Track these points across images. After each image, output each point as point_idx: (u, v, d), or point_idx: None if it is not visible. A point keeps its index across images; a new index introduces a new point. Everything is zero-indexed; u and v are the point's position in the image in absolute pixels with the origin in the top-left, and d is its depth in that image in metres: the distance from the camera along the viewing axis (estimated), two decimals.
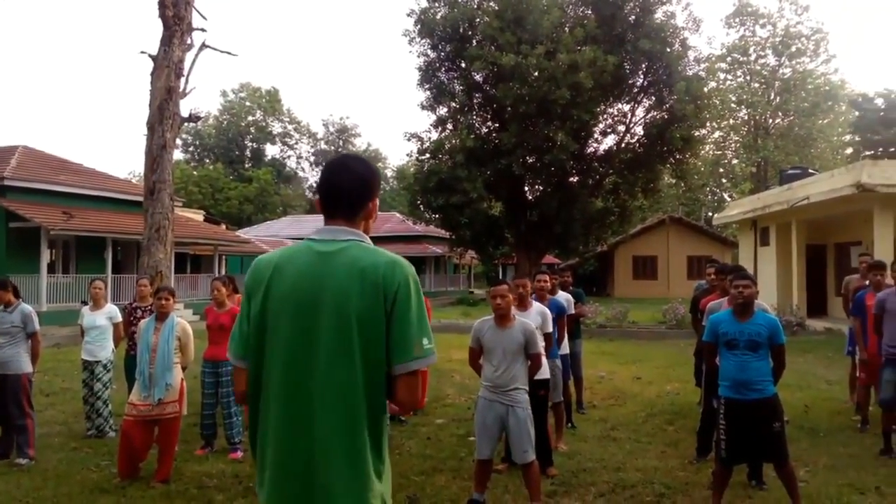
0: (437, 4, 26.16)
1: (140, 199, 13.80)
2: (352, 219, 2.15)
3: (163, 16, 10.85)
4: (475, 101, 26.35)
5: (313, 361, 1.96)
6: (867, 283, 7.54)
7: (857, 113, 42.18)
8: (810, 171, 23.93)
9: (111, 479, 5.73)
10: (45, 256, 19.97)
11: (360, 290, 1.97)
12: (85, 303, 7.64)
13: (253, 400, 2.07)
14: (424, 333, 2.02)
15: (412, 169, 28.90)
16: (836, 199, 16.15)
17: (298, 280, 2.04)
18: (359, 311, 1.96)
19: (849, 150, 45.68)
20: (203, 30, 13.52)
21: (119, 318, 7.46)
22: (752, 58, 46.93)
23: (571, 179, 26.56)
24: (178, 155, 59.48)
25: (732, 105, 46.99)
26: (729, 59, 46.86)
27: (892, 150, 38.37)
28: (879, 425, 6.65)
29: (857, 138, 43.43)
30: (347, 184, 2.16)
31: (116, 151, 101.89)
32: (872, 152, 39.07)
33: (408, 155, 44.58)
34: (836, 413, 8.22)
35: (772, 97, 46.54)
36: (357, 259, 2.03)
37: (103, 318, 7.32)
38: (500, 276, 33.87)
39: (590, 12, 24.83)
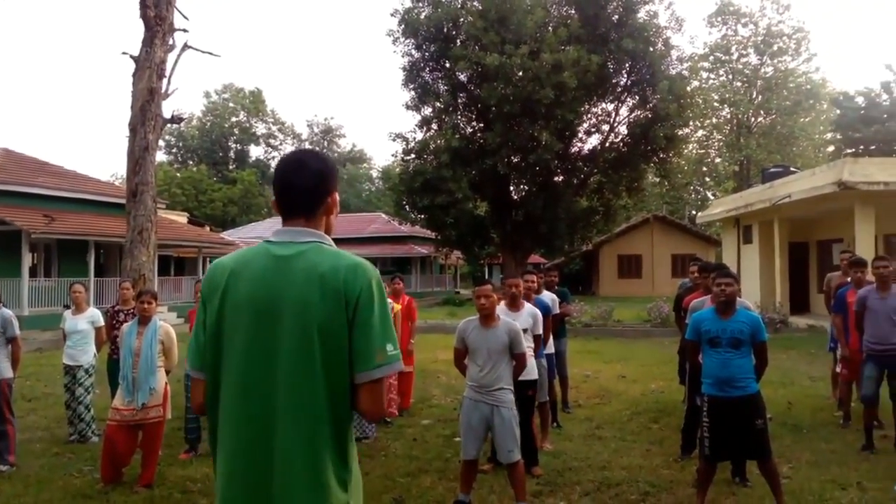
0: (420, 4, 26.14)
1: (122, 201, 13.69)
2: (311, 217, 2.06)
3: (144, 16, 10.76)
4: (460, 100, 26.36)
5: (272, 372, 1.89)
6: (848, 280, 7.61)
7: (838, 111, 42.63)
8: (792, 169, 24.13)
9: (94, 485, 5.68)
10: (27, 260, 19.77)
11: (321, 298, 1.90)
12: (67, 307, 7.57)
13: (212, 412, 1.99)
14: (388, 339, 1.95)
15: (397, 169, 28.87)
16: (817, 196, 16.30)
17: (255, 286, 1.96)
18: (320, 320, 1.88)
19: (830, 149, 46.12)
20: (185, 30, 13.44)
21: (101, 322, 7.40)
22: (735, 57, 47.25)
23: (556, 179, 26.63)
24: (160, 157, 59.08)
25: (715, 104, 47.29)
26: (711, 58, 47.16)
27: (873, 147, 38.82)
28: (861, 421, 6.72)
29: (838, 136, 43.90)
30: (304, 181, 2.06)
31: (98, 153, 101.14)
32: (853, 150, 39.47)
33: (393, 155, 44.52)
34: (818, 409, 8.29)
35: (754, 96, 46.89)
36: (316, 264, 1.94)
37: (85, 322, 7.26)
38: (487, 276, 33.90)
39: (573, 12, 24.91)
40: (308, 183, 2.06)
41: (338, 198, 2.15)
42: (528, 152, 24.02)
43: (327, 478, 1.87)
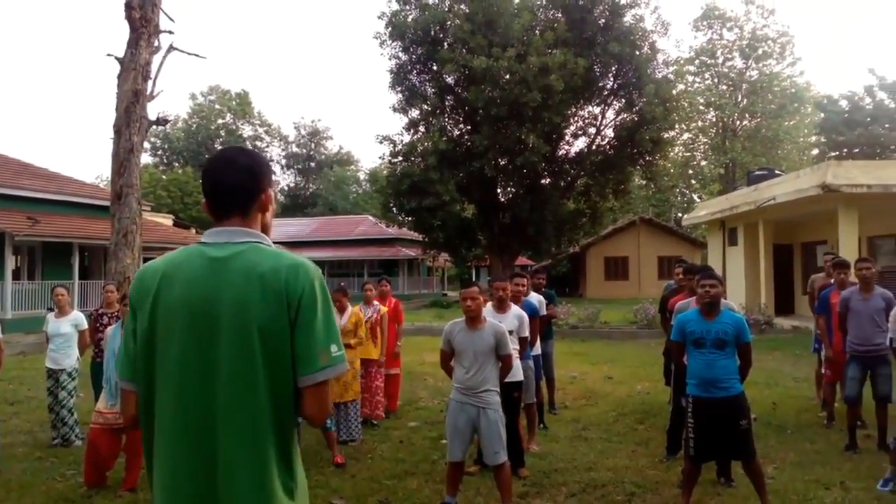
0: (407, 7, 26.17)
1: (107, 203, 13.60)
2: (246, 216, 1.97)
3: (129, 18, 10.70)
4: (447, 103, 26.41)
5: (211, 379, 1.80)
6: (832, 281, 7.68)
7: (822, 115, 42.99)
8: (777, 172, 24.32)
9: (77, 489, 5.64)
10: (10, 263, 19.58)
11: (261, 299, 1.81)
12: (51, 310, 7.51)
13: (146, 424, 1.89)
14: (332, 340, 1.87)
15: (385, 171, 28.87)
16: (801, 199, 16.42)
17: (189, 290, 1.85)
18: (260, 322, 1.80)
19: (814, 151, 46.51)
20: (170, 32, 13.34)
21: (85, 326, 7.35)
22: (720, 60, 47.57)
23: (543, 181, 26.71)
24: (146, 158, 58.81)
25: (701, 107, 47.58)
26: (697, 61, 47.45)
27: (857, 150, 39.16)
28: (845, 421, 6.77)
29: (822, 139, 44.24)
30: (234, 179, 1.97)
31: (83, 155, 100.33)
32: (837, 153, 39.82)
33: (380, 157, 44.46)
34: (803, 410, 8.35)
35: (739, 99, 47.21)
36: (255, 264, 1.85)
37: (68, 325, 7.21)
38: (474, 279, 33.92)
39: (560, 15, 25.02)
40: (239, 180, 1.97)
41: (272, 195, 2.07)
42: (516, 155, 24.09)
43: (274, 487, 1.80)
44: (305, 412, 1.86)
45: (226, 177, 1.98)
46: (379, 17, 26.18)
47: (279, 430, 1.83)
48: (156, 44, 11.64)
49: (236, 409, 1.79)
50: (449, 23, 25.11)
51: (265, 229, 2.03)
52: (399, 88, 26.60)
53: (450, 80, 25.55)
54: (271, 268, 1.85)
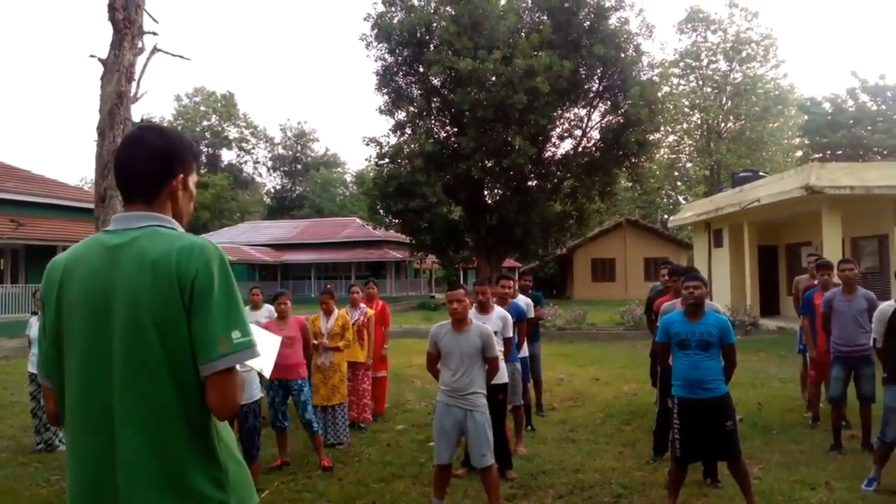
0: (393, 9, 26.12)
1: (91, 206, 13.47)
2: (150, 202, 1.85)
3: (112, 19, 10.57)
4: (433, 105, 26.38)
5: (109, 374, 1.71)
6: (816, 282, 7.73)
7: (805, 117, 43.36)
8: (761, 173, 24.52)
9: (61, 495, 5.57)
10: None
11: (152, 287, 1.70)
12: (35, 313, 7.44)
13: (64, 424, 1.84)
14: (234, 325, 1.73)
15: (371, 174, 28.81)
16: (785, 200, 16.55)
17: (87, 282, 1.77)
18: (154, 312, 1.69)
19: (798, 153, 46.90)
20: (155, 33, 13.18)
21: None
22: (704, 63, 47.88)
23: (530, 183, 26.74)
24: None
25: (686, 109, 47.88)
26: (682, 64, 47.74)
27: (840, 152, 39.52)
28: (829, 421, 6.82)
29: (806, 141, 44.62)
30: (141, 161, 1.86)
31: (67, 158, 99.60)
32: (821, 155, 40.18)
33: (367, 159, 44.36)
34: (788, 410, 8.41)
35: (724, 101, 47.53)
36: (147, 250, 1.74)
37: None
38: (461, 281, 33.88)
39: (545, 18, 25.05)
40: (144, 166, 1.86)
41: (191, 181, 1.94)
42: (502, 157, 24.11)
43: (190, 481, 1.70)
44: (209, 404, 1.73)
45: (131, 160, 1.88)
46: (365, 19, 26.15)
47: (191, 424, 1.72)
48: (140, 45, 11.52)
49: (134, 406, 1.69)
50: (435, 25, 25.10)
51: (178, 215, 1.92)
52: (385, 90, 26.55)
53: (436, 81, 25.53)
54: (162, 252, 1.74)
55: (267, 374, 5.65)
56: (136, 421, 1.69)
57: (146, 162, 1.87)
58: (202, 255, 1.75)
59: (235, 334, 1.73)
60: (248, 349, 1.75)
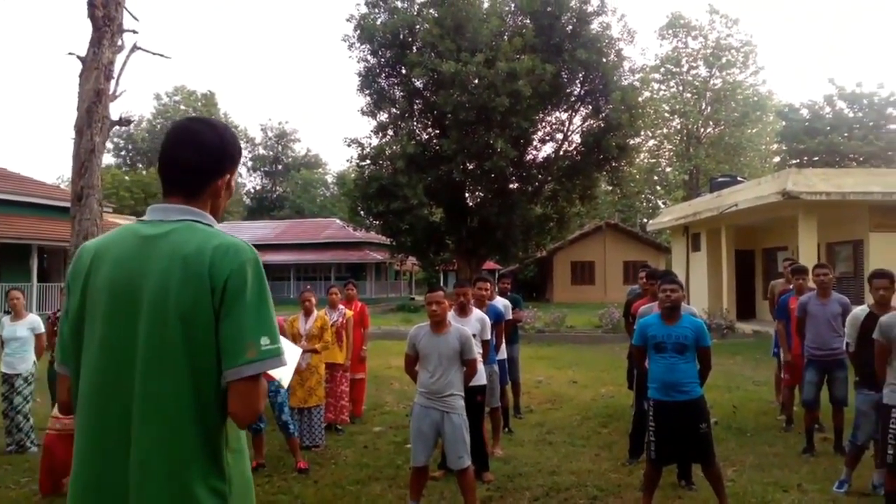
0: (376, 10, 26.09)
1: (67, 204, 13.32)
2: (192, 197, 1.81)
3: (92, 16, 10.48)
4: (416, 107, 26.35)
5: (130, 368, 1.66)
6: (791, 287, 7.82)
7: (783, 123, 43.83)
8: (739, 179, 24.75)
9: (32, 497, 5.51)
10: None
11: (182, 282, 1.65)
12: (8, 313, 7.34)
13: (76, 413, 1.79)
14: (264, 331, 1.68)
15: (352, 175, 28.70)
16: (762, 206, 16.74)
17: (115, 270, 1.73)
18: (181, 309, 1.64)
19: (776, 159, 47.38)
20: (135, 31, 13.12)
21: (41, 329, 7.19)
22: (685, 69, 48.26)
23: (511, 186, 26.79)
24: (109, 159, 57.86)
25: (666, 114, 48.21)
26: (662, 69, 48.06)
27: (816, 159, 39.99)
28: (803, 424, 6.90)
29: (783, 147, 45.10)
30: (190, 155, 1.81)
31: (43, 156, 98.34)
32: (798, 161, 40.62)
33: (348, 160, 44.23)
34: (762, 413, 8.49)
35: (703, 107, 47.93)
36: (182, 244, 1.70)
37: (24, 328, 7.05)
38: (442, 283, 33.92)
39: (528, 22, 25.13)
40: (194, 159, 1.81)
41: (233, 182, 1.90)
42: (484, 159, 24.14)
43: (194, 490, 1.65)
44: (231, 410, 1.68)
45: (181, 152, 1.83)
46: (347, 20, 26.08)
47: (204, 428, 1.67)
48: (119, 43, 11.42)
49: (153, 403, 1.65)
50: (418, 27, 25.10)
51: (214, 212, 1.88)
52: (367, 91, 26.50)
53: (418, 83, 25.51)
54: (197, 248, 1.69)
55: (285, 384, 5.64)
56: (154, 418, 1.65)
57: (197, 157, 1.82)
58: (237, 256, 1.70)
59: (264, 341, 1.67)
60: (276, 357, 1.70)
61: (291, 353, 5.48)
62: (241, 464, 1.80)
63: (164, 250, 1.71)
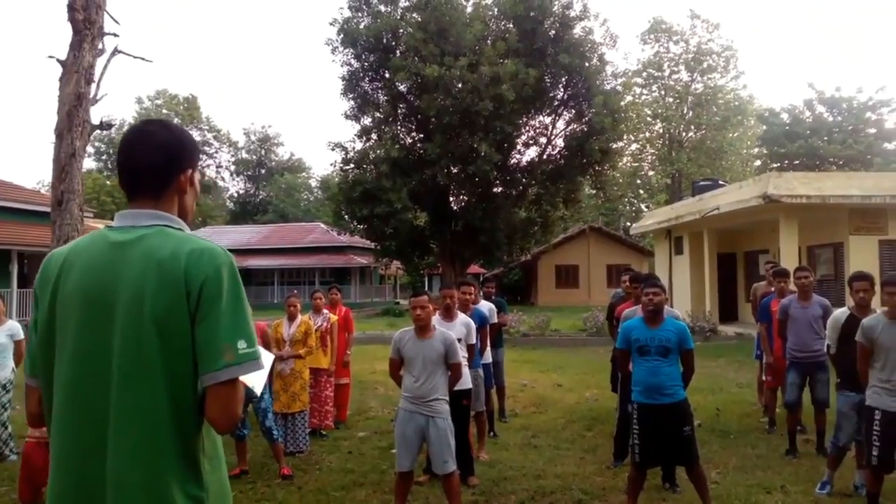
0: (360, 14, 26.07)
1: (48, 209, 13.18)
2: (158, 198, 1.80)
3: (72, 19, 10.38)
4: (399, 111, 26.34)
5: (105, 375, 1.64)
6: (773, 289, 7.89)
7: (764, 127, 44.25)
8: (721, 182, 24.94)
9: None
10: None
11: (157, 289, 1.64)
12: None
13: (49, 422, 1.77)
14: (240, 335, 1.67)
15: (336, 179, 28.61)
16: (744, 209, 16.88)
17: (86, 278, 1.71)
18: (156, 314, 1.63)
19: (757, 163, 47.83)
20: (115, 34, 13.01)
21: (21, 336, 7.09)
22: (667, 73, 48.62)
23: (495, 190, 26.84)
24: (90, 164, 57.34)
25: (648, 119, 48.56)
26: (644, 74, 48.41)
27: (797, 162, 40.40)
28: (785, 426, 6.95)
29: (764, 151, 45.53)
30: (147, 156, 1.80)
31: (23, 160, 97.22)
32: (778, 165, 41.04)
33: (332, 164, 44.05)
34: (745, 415, 8.55)
35: (685, 111, 48.30)
36: (156, 249, 1.68)
37: (3, 335, 6.95)
38: (426, 287, 33.87)
39: (511, 26, 25.22)
40: (152, 159, 1.80)
41: (196, 176, 1.90)
42: (468, 163, 24.18)
43: (172, 498, 1.63)
44: (209, 415, 1.66)
45: (138, 154, 1.82)
46: (331, 24, 26.02)
47: (181, 434, 1.66)
48: (100, 46, 11.32)
49: (130, 411, 1.63)
50: (401, 31, 25.10)
51: (184, 213, 1.88)
52: (351, 95, 26.46)
53: (402, 87, 25.51)
54: (171, 253, 1.68)
55: (258, 391, 5.55)
56: (131, 428, 1.63)
57: (154, 156, 1.81)
58: (213, 261, 1.69)
59: (242, 344, 1.67)
60: (253, 361, 1.69)
61: (265, 358, 5.44)
62: (219, 470, 1.79)
63: (137, 256, 1.69)
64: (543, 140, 27.57)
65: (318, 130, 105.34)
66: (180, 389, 1.66)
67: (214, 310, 1.66)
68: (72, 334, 1.70)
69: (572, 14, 25.34)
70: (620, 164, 37.84)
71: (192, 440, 1.69)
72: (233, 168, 68.38)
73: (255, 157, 67.98)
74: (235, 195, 69.10)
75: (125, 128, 60.77)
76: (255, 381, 5.18)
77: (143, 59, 12.29)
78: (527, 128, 27.16)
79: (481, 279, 11.57)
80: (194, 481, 1.69)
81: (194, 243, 1.72)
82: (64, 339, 1.72)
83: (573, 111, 26.48)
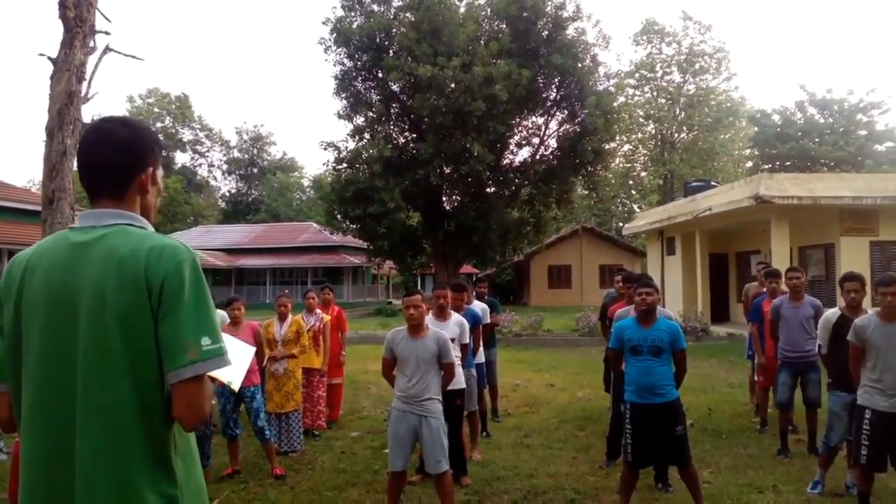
0: (353, 14, 26.03)
1: (38, 208, 13.12)
2: (120, 197, 1.79)
3: (63, 17, 10.34)
4: (392, 111, 26.32)
5: (71, 376, 1.64)
6: (764, 290, 7.92)
7: (755, 128, 44.44)
8: (713, 183, 25.03)
9: None
10: None
11: (118, 287, 1.63)
12: None
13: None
14: (204, 331, 1.65)
15: (329, 178, 28.57)
16: (736, 210, 16.93)
17: (50, 280, 1.70)
18: (119, 313, 1.62)
19: (749, 164, 48.03)
20: (107, 33, 12.95)
21: None
22: (659, 74, 48.77)
23: (488, 190, 26.85)
24: None
25: (640, 119, 48.69)
26: (637, 75, 48.54)
27: (788, 164, 40.59)
28: (777, 426, 6.98)
29: (756, 152, 45.74)
30: (107, 155, 1.78)
31: (13, 158, 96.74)
32: (770, 166, 41.22)
33: (324, 164, 43.95)
34: (737, 415, 8.57)
35: (677, 112, 48.46)
36: (116, 248, 1.67)
37: None
38: (419, 287, 33.85)
39: (504, 26, 25.24)
40: (111, 158, 1.78)
41: (158, 174, 1.88)
42: (461, 163, 24.18)
43: (144, 497, 1.63)
44: (175, 413, 1.65)
45: (98, 153, 1.79)
46: (324, 23, 25.97)
47: (150, 434, 1.65)
48: (91, 44, 11.26)
49: (95, 410, 1.62)
50: (394, 30, 25.08)
51: (146, 211, 1.86)
52: (344, 95, 26.41)
53: (395, 87, 25.49)
54: (131, 251, 1.67)
55: (235, 386, 5.51)
56: (96, 429, 1.62)
57: (114, 154, 1.79)
58: (173, 257, 1.68)
59: (205, 341, 1.65)
60: (218, 357, 1.67)
61: (242, 353, 5.37)
62: (193, 468, 1.78)
63: (99, 256, 1.68)
64: (536, 140, 27.61)
65: (311, 130, 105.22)
66: (147, 387, 1.65)
67: (176, 307, 1.64)
68: (37, 336, 1.69)
69: (565, 15, 25.39)
70: (613, 164, 37.91)
71: (162, 438, 1.68)
72: (225, 167, 68.22)
73: (247, 156, 67.80)
74: (227, 194, 68.92)
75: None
76: (232, 375, 5.11)
77: (134, 57, 12.23)
78: (519, 128, 27.18)
79: (474, 279, 11.57)
80: (167, 479, 1.68)
81: (155, 240, 1.71)
82: (29, 342, 1.71)
83: (566, 112, 26.52)
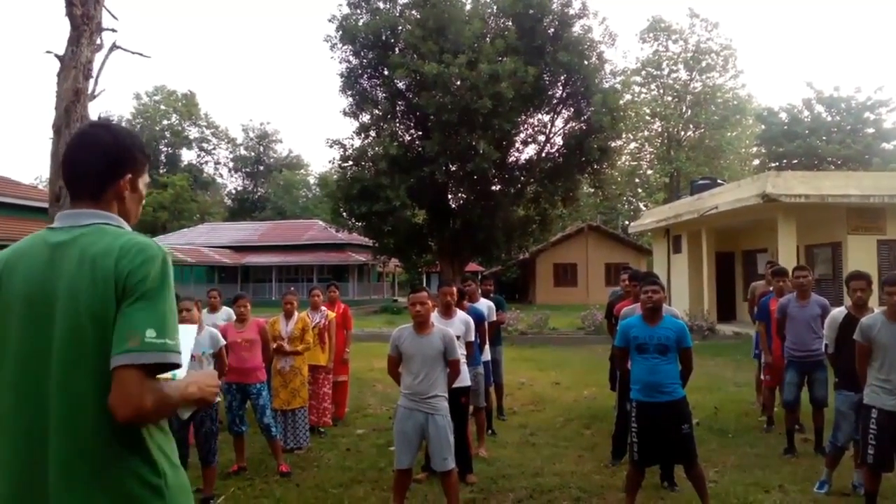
0: (358, 11, 26.04)
1: (45, 205, 13.17)
2: (97, 200, 1.82)
3: (70, 14, 10.36)
4: (398, 108, 26.33)
5: (46, 374, 1.66)
6: (771, 288, 7.89)
7: (762, 126, 44.26)
8: (719, 181, 24.94)
9: None
10: None
11: (91, 284, 1.66)
12: None
13: None
14: (151, 324, 1.64)
15: (335, 176, 28.60)
16: (742, 208, 16.87)
17: (27, 280, 1.73)
18: (92, 310, 1.65)
19: (755, 162, 47.86)
20: (114, 30, 12.99)
21: None
22: (665, 72, 48.62)
23: (494, 188, 26.85)
24: None
25: (647, 117, 48.56)
26: (643, 72, 48.41)
27: (795, 161, 40.43)
28: (783, 425, 6.95)
29: (762, 150, 45.56)
30: (87, 158, 1.83)
31: (21, 155, 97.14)
32: (777, 164, 41.06)
33: (330, 162, 43.94)
34: (743, 414, 8.55)
35: (684, 110, 48.31)
36: (90, 245, 1.71)
37: None
38: (425, 284, 33.84)
39: (510, 24, 25.21)
40: (90, 162, 1.83)
41: (140, 181, 1.92)
42: (466, 161, 24.18)
43: (126, 488, 1.66)
44: (109, 401, 1.62)
45: (78, 157, 1.85)
46: (329, 21, 26.02)
47: (126, 428, 1.66)
48: (98, 42, 11.29)
49: (70, 406, 1.65)
50: (400, 28, 25.09)
51: (125, 217, 1.89)
52: (350, 92, 26.44)
53: (401, 85, 25.50)
54: (104, 248, 1.70)
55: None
56: (71, 420, 1.64)
57: (93, 160, 1.83)
58: (141, 254, 1.70)
59: (150, 333, 1.64)
60: (159, 352, 1.65)
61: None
62: (174, 463, 1.80)
63: (74, 255, 1.71)
64: (542, 138, 27.59)
65: (317, 127, 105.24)
66: None
67: (134, 300, 1.66)
68: (14, 336, 1.72)
69: (571, 12, 25.34)
70: (619, 162, 37.88)
71: (139, 431, 1.70)
72: (231, 165, 68.32)
73: (253, 153, 67.89)
74: (234, 192, 69.04)
75: (123, 124, 61.00)
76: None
77: (141, 54, 12.24)
78: (525, 126, 27.16)
79: (479, 277, 11.57)
80: (148, 469, 1.71)
81: (127, 238, 1.74)
82: (7, 342, 1.73)
83: (572, 109, 26.48)
